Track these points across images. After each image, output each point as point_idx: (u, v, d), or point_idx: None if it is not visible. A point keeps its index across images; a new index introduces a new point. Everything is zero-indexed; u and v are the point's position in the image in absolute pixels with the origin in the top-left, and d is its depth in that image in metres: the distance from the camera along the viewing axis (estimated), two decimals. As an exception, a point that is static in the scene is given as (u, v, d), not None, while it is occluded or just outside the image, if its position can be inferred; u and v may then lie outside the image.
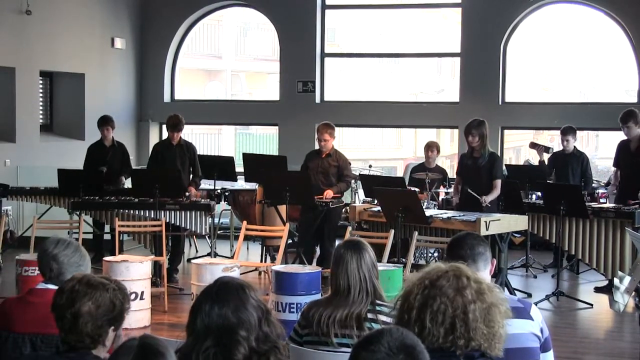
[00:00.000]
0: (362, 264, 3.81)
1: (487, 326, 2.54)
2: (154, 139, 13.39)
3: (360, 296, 3.78)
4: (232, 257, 9.02)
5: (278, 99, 13.53)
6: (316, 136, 9.41)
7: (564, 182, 9.66)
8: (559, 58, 18.82)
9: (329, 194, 9.12)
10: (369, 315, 3.76)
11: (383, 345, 2.19)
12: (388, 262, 7.44)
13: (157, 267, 8.49)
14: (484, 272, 3.46)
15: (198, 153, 9.94)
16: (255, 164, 10.13)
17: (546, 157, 10.27)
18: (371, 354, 2.19)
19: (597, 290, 9.08)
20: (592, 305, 8.42)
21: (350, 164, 9.58)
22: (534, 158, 11.43)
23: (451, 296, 2.55)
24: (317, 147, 9.68)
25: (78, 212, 9.16)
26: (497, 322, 2.57)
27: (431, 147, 10.42)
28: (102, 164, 10.08)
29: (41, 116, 12.41)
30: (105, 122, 10.31)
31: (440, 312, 2.53)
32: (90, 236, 10.27)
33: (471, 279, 2.60)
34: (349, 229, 8.44)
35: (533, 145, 10.61)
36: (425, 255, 10.11)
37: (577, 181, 9.79)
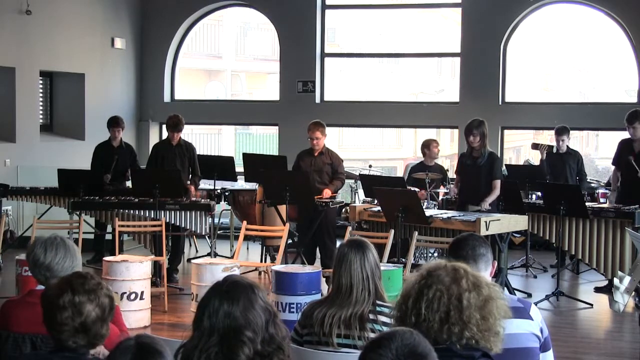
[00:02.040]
0: (366, 264, 3.81)
1: (482, 317, 2.54)
2: (154, 139, 13.39)
3: (363, 295, 3.77)
4: (232, 257, 9.02)
5: (278, 99, 13.53)
6: (308, 135, 9.39)
7: (563, 181, 9.67)
8: (559, 58, 18.82)
9: (327, 192, 9.11)
10: (370, 316, 3.76)
11: (391, 351, 2.15)
12: (388, 262, 7.44)
13: (157, 267, 8.49)
14: (485, 274, 3.46)
15: (198, 153, 9.94)
16: (255, 164, 10.13)
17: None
18: (378, 356, 2.16)
19: (597, 290, 9.08)
20: (592, 305, 8.42)
21: (342, 161, 9.59)
22: (534, 158, 11.43)
23: (447, 284, 2.57)
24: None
25: (78, 212, 9.16)
26: (493, 315, 2.57)
27: (427, 146, 10.40)
28: (109, 164, 10.05)
29: (41, 116, 12.42)
30: (116, 124, 10.28)
31: (436, 299, 2.55)
32: (91, 236, 10.28)
33: (469, 272, 2.62)
34: (349, 228, 8.43)
35: (535, 146, 10.59)
36: (425, 255, 10.11)
37: (574, 179, 9.82)
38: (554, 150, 10.10)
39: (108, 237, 10.20)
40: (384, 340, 2.19)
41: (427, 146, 10.38)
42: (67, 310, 2.95)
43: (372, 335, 3.68)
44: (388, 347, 2.16)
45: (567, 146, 10.02)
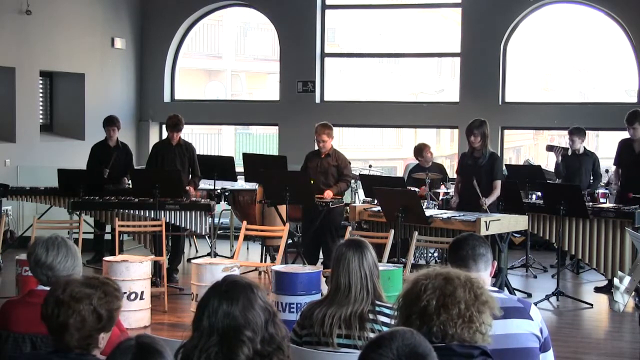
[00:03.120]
0: (364, 263, 3.81)
1: (464, 288, 2.62)
2: (154, 139, 13.39)
3: (362, 294, 3.77)
4: (232, 257, 9.02)
5: (278, 99, 13.53)
6: (315, 137, 9.38)
7: (577, 183, 9.61)
8: (559, 58, 18.81)
9: (328, 194, 9.11)
10: (370, 316, 3.75)
11: (392, 350, 2.16)
12: (388, 262, 7.44)
13: (157, 267, 8.49)
14: (485, 273, 3.47)
15: (198, 153, 9.94)
16: (255, 164, 10.13)
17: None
18: (378, 356, 2.16)
19: (597, 290, 9.08)
20: (592, 305, 8.42)
21: (350, 163, 9.57)
22: (534, 158, 11.42)
23: (440, 270, 2.69)
24: (317, 147, 9.67)
25: (78, 212, 9.16)
26: (482, 290, 2.64)
27: (419, 152, 10.38)
28: (105, 164, 10.06)
29: (41, 116, 12.41)
30: (111, 123, 10.28)
31: (425, 273, 2.67)
32: (91, 236, 10.28)
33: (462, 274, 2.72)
34: (349, 228, 8.43)
35: (550, 148, 10.52)
36: (425, 255, 10.11)
37: (589, 182, 9.80)
38: (569, 152, 10.01)
39: (108, 237, 10.20)
40: (384, 340, 2.19)
41: (420, 152, 10.41)
42: (50, 306, 2.96)
43: (372, 335, 3.68)
44: (389, 346, 2.16)
45: (584, 147, 9.97)
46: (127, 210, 9.03)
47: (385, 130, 19.29)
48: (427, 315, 2.58)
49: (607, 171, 10.65)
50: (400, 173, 15.36)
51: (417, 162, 10.58)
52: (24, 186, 10.27)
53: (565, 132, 10.19)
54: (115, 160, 10.15)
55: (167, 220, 8.82)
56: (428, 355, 2.19)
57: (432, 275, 2.65)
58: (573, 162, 9.94)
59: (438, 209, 9.38)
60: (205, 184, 10.60)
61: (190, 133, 16.03)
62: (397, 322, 2.68)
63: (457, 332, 2.58)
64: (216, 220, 10.93)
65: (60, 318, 2.93)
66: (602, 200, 9.97)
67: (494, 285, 4.80)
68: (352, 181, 10.42)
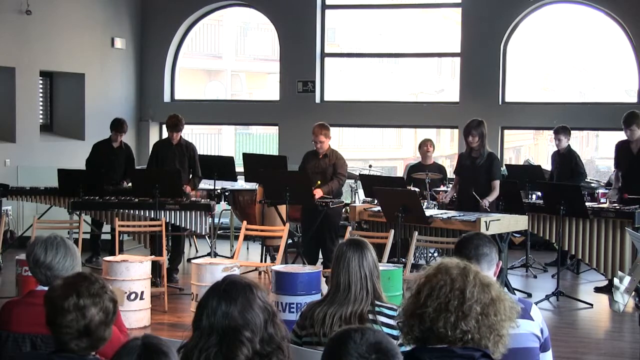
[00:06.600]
0: (364, 263, 3.81)
1: (484, 313, 2.51)
2: (154, 139, 13.38)
3: (361, 294, 3.77)
4: (232, 257, 9.02)
5: (278, 99, 13.53)
6: (312, 138, 9.35)
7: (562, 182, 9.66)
8: (559, 58, 18.82)
9: (318, 193, 8.99)
10: (370, 316, 3.75)
11: (352, 355, 2.21)
12: (388, 262, 7.44)
13: (157, 267, 8.49)
14: (488, 273, 3.46)
15: (198, 153, 9.94)
16: (255, 164, 10.13)
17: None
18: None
19: (597, 290, 9.08)
20: (592, 305, 8.42)
21: (346, 163, 9.51)
22: (534, 158, 11.42)
23: (454, 276, 2.55)
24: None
25: (78, 212, 9.16)
26: (498, 314, 2.54)
27: (425, 144, 10.45)
28: (107, 163, 10.07)
29: (41, 116, 12.42)
30: (120, 128, 10.27)
31: (438, 287, 2.53)
32: (90, 236, 10.28)
33: (479, 272, 2.60)
34: (349, 228, 8.43)
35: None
36: (425, 255, 10.11)
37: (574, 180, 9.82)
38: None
39: (106, 237, 10.19)
40: (340, 347, 2.24)
41: (419, 147, 10.51)
42: (71, 314, 2.93)
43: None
44: (348, 352, 2.22)
45: (569, 145, 10.00)
46: (127, 210, 9.03)
47: (385, 130, 19.29)
48: (463, 312, 2.50)
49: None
50: (400, 173, 15.35)
51: (418, 159, 10.59)
52: (24, 186, 10.27)
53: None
54: (117, 160, 10.16)
55: (167, 220, 8.82)
56: (382, 339, 2.25)
57: (441, 283, 2.55)
58: (560, 162, 9.97)
59: (438, 209, 9.38)
60: (205, 184, 10.60)
61: (190, 133, 16.02)
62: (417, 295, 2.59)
63: (483, 342, 2.54)
64: (216, 220, 10.94)
65: (86, 319, 2.91)
66: (602, 200, 9.97)
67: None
68: (352, 181, 10.41)
